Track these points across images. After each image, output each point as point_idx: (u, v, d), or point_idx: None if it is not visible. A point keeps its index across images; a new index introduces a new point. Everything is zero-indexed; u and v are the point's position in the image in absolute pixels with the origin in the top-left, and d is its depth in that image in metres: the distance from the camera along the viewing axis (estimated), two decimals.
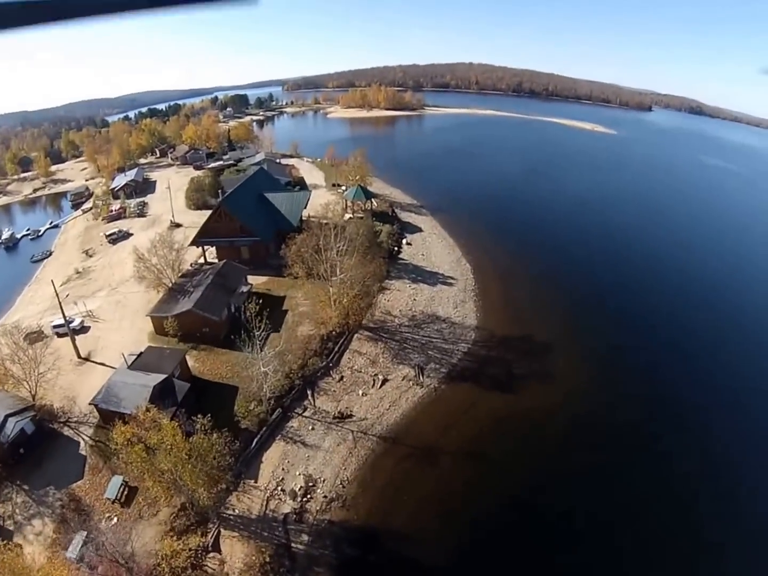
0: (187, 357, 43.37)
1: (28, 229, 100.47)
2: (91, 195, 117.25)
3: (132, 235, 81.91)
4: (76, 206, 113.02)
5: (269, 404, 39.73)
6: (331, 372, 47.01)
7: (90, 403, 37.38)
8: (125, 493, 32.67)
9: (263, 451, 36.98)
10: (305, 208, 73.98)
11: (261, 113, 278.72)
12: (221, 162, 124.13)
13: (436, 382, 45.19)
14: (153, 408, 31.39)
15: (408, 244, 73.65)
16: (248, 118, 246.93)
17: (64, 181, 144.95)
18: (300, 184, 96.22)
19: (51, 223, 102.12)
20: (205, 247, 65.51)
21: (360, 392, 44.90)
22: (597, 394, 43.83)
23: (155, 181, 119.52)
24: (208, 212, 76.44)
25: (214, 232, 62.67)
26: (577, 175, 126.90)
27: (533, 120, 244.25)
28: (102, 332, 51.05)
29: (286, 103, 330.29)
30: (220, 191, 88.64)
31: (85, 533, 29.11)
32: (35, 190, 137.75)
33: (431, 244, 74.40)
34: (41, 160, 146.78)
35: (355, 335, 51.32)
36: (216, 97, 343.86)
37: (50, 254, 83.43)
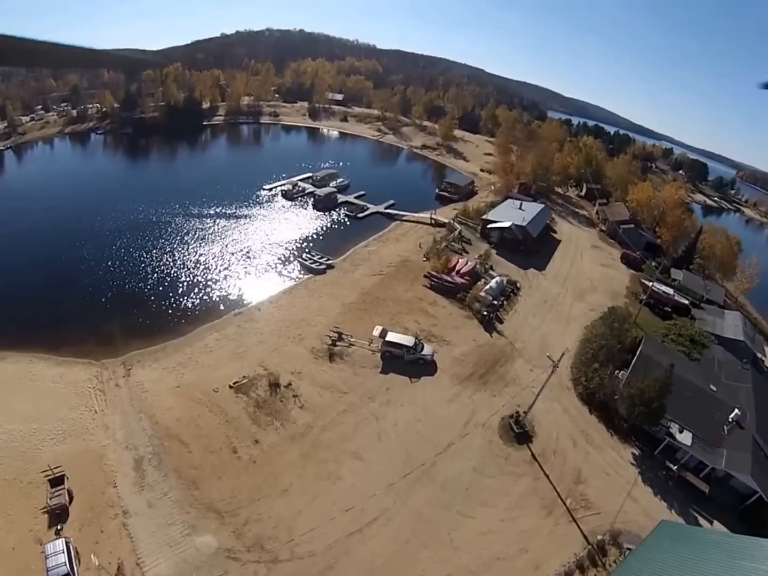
0: None
1: (361, 195, 68.98)
2: (469, 194, 78.40)
3: (431, 364, 34.76)
4: (442, 198, 75.85)
5: None
6: None
7: None
8: None
9: None
10: None
11: (715, 198, 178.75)
12: (665, 290, 53.13)
13: None
14: None
15: None
16: (700, 197, 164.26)
17: (458, 154, 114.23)
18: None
19: (388, 206, 67.20)
20: None
21: None
22: None
23: (558, 242, 66.61)
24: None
25: None
26: None
27: None
28: None
29: (746, 201, 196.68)
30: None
31: None
32: (423, 147, 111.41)
33: None
34: (448, 121, 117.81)
35: None
36: (671, 150, 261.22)
37: (324, 270, 46.22)
